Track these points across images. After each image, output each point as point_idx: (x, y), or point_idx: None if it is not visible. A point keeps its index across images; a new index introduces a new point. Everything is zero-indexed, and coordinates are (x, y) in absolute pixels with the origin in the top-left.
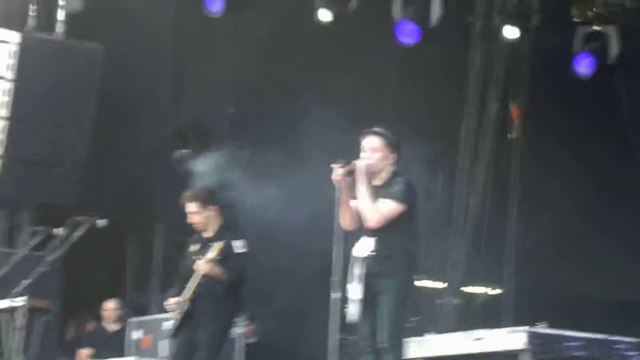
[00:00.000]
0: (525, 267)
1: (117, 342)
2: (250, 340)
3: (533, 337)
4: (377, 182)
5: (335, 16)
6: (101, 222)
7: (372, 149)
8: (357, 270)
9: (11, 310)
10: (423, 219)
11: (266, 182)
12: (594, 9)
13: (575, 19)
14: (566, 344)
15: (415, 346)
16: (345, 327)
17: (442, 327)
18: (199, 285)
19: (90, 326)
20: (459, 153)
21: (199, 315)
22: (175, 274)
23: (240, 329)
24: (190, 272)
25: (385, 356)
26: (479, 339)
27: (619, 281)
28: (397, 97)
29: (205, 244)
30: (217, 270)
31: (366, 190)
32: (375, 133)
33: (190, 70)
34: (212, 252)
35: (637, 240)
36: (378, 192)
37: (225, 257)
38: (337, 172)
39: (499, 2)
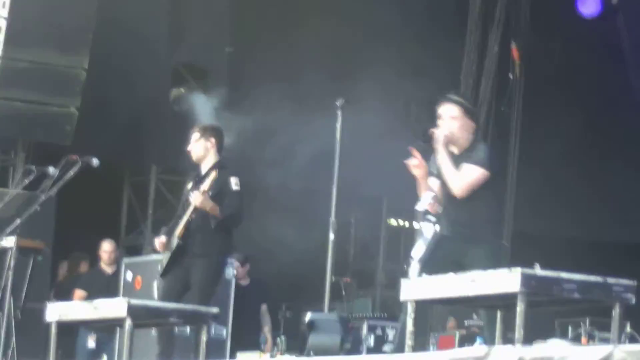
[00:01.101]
0: (524, 209)
1: (114, 284)
2: (243, 282)
3: (527, 279)
4: (455, 151)
5: None
6: (95, 161)
7: (451, 117)
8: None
9: (2, 250)
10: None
11: (265, 123)
12: None
13: None
14: (562, 286)
15: (409, 288)
16: (341, 268)
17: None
18: (190, 220)
19: (83, 267)
20: (460, 94)
21: (190, 252)
22: (169, 215)
23: (233, 269)
24: (185, 210)
25: None
26: (472, 280)
27: (617, 223)
28: (396, 38)
29: (201, 179)
30: (210, 203)
31: (448, 159)
32: (453, 101)
33: (187, 10)
34: (206, 184)
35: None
36: (457, 162)
37: (220, 193)
38: (413, 162)
39: None
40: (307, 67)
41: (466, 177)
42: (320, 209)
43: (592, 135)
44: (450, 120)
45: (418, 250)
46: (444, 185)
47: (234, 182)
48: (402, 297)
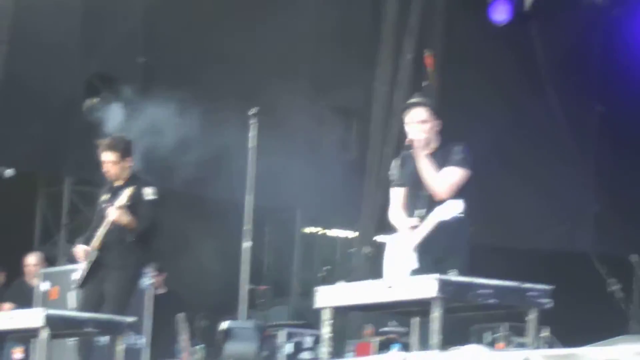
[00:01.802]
0: None
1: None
2: (160, 291)
3: (444, 284)
4: (427, 151)
5: None
6: (8, 172)
7: (421, 121)
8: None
9: None
10: (337, 168)
11: (178, 133)
12: None
13: None
14: (478, 291)
15: (324, 295)
16: (256, 277)
17: (354, 277)
18: (107, 233)
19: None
20: (374, 103)
21: (107, 264)
22: (83, 226)
23: (149, 279)
24: (101, 222)
25: None
26: (389, 287)
27: (530, 230)
28: (310, 46)
29: (116, 192)
30: (127, 218)
31: (427, 162)
32: (421, 104)
33: (99, 21)
34: (122, 199)
35: (551, 188)
36: (434, 160)
37: (136, 205)
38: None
39: None
40: (221, 77)
41: (449, 179)
42: (234, 218)
43: (508, 143)
44: (421, 124)
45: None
46: (413, 190)
47: (149, 193)
48: (319, 304)
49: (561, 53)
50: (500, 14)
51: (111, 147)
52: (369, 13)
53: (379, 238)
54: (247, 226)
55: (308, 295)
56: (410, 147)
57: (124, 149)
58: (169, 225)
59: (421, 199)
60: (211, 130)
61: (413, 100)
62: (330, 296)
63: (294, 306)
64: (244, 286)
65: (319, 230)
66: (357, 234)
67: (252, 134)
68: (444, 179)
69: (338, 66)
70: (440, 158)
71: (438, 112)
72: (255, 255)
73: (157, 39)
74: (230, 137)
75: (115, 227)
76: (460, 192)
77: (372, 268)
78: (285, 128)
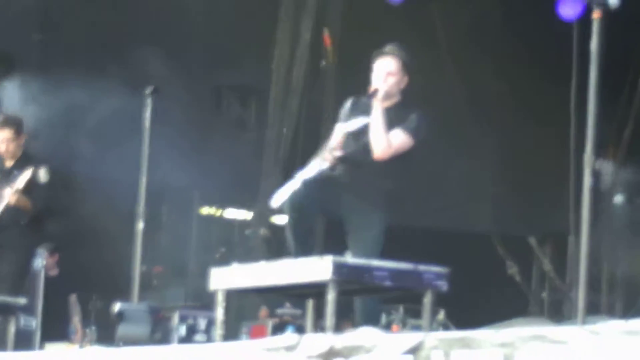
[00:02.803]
0: None
1: None
2: (53, 272)
3: (339, 267)
4: (386, 104)
5: None
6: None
7: (389, 73)
8: None
9: None
10: (233, 148)
11: (74, 112)
12: None
13: None
14: (373, 273)
15: (218, 277)
16: (152, 258)
17: (251, 258)
18: (1, 214)
19: None
20: (272, 82)
21: (1, 245)
22: None
23: (42, 260)
24: None
25: None
26: (284, 269)
27: (429, 209)
28: (206, 27)
29: (8, 173)
30: (23, 201)
31: (381, 119)
32: (394, 55)
33: None
34: (20, 182)
35: (448, 168)
36: (386, 116)
37: (30, 187)
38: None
39: None
40: (116, 55)
41: (393, 144)
42: (130, 199)
43: None
44: (387, 76)
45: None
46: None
47: (43, 173)
48: (212, 286)
49: (461, 30)
50: None
51: (6, 124)
52: None
53: (277, 219)
54: (141, 207)
55: (205, 276)
56: (372, 95)
57: (18, 126)
58: (63, 206)
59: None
60: (105, 110)
61: (386, 48)
62: (224, 278)
63: (191, 288)
64: (137, 268)
65: (216, 211)
66: (254, 214)
67: (147, 113)
68: (388, 142)
69: (236, 45)
70: (394, 116)
71: (410, 67)
72: (152, 236)
73: (53, 17)
74: (125, 116)
75: (10, 209)
76: (397, 159)
77: (269, 250)
78: (181, 107)
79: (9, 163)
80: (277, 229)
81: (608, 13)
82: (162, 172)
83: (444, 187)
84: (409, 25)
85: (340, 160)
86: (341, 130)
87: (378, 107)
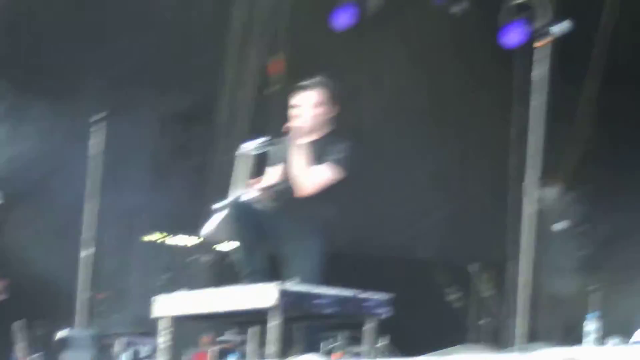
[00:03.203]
0: None
1: None
2: (0, 297)
3: (283, 294)
4: (314, 136)
5: None
6: None
7: (315, 104)
8: None
9: None
10: (178, 174)
11: (23, 136)
12: None
13: None
14: (316, 301)
15: (162, 304)
16: (96, 284)
17: (195, 285)
18: None
19: None
20: (217, 107)
21: None
22: None
23: None
24: None
25: None
26: (227, 296)
27: (371, 236)
28: (155, 52)
29: None
30: None
31: (303, 156)
32: (320, 85)
33: None
34: None
35: (392, 194)
36: (312, 149)
37: None
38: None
39: None
40: (67, 81)
41: (319, 179)
42: (75, 225)
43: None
44: (313, 107)
45: None
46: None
47: None
48: (157, 313)
49: (400, 58)
50: (342, 20)
51: None
52: (213, 18)
53: (221, 246)
54: (87, 233)
55: (149, 303)
56: (288, 133)
57: None
58: (10, 230)
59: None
60: (53, 136)
61: (308, 82)
62: (168, 305)
63: (135, 314)
64: (82, 294)
65: (160, 236)
66: (198, 241)
67: (95, 140)
68: (313, 178)
69: (181, 69)
70: (323, 147)
71: (339, 97)
72: (96, 262)
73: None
74: (73, 142)
75: None
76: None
77: (213, 276)
78: (128, 133)
79: None
80: (220, 255)
81: (552, 41)
82: (106, 198)
83: (384, 215)
84: (356, 52)
85: (275, 193)
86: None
87: (297, 146)
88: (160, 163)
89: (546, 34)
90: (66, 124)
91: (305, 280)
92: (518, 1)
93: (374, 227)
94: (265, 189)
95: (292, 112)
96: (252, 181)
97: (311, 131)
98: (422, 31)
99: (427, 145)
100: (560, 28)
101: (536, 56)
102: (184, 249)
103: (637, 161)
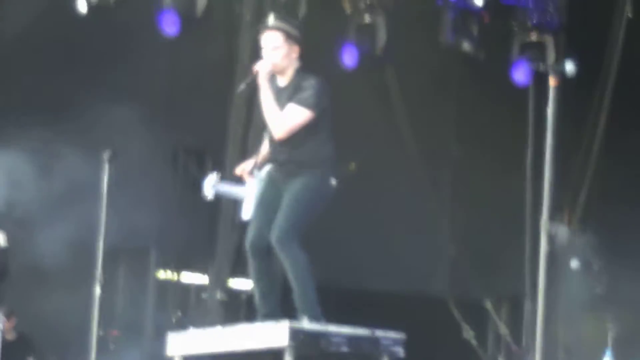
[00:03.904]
0: None
1: None
2: (10, 337)
3: (295, 333)
4: (283, 82)
5: (96, 7)
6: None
7: (274, 47)
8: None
9: None
10: (190, 211)
11: (28, 173)
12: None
13: (346, 10)
14: (330, 340)
15: (176, 342)
16: (109, 320)
17: (208, 323)
18: None
19: None
20: (229, 144)
21: None
22: None
23: None
24: None
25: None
26: (241, 335)
27: (386, 273)
28: (165, 87)
29: None
30: None
31: (269, 97)
32: (274, 27)
33: None
34: None
35: (407, 231)
36: (284, 94)
37: None
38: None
39: None
40: (73, 118)
41: (288, 120)
42: (86, 261)
43: (365, 185)
44: (273, 51)
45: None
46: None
47: (1, 239)
48: (169, 352)
49: (409, 96)
50: (350, 58)
51: None
52: (223, 54)
53: (233, 283)
54: (98, 270)
55: (161, 340)
56: (253, 78)
57: None
58: (20, 269)
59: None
60: (63, 172)
61: (268, 23)
62: (181, 344)
63: (147, 350)
64: (94, 332)
65: (173, 272)
66: (210, 278)
67: (104, 176)
68: (283, 119)
69: (192, 106)
70: (293, 89)
71: (298, 34)
72: (108, 298)
73: (6, 81)
74: (83, 178)
75: None
76: (309, 135)
77: (226, 314)
78: (138, 169)
79: None
80: (233, 293)
81: (564, 80)
82: (118, 234)
83: (399, 250)
84: (365, 89)
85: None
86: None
87: (263, 86)
88: (172, 200)
89: (557, 72)
90: (77, 158)
91: (289, 203)
92: (529, 40)
93: (389, 264)
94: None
95: (262, 52)
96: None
97: (279, 72)
98: (434, 67)
99: (444, 181)
100: (570, 67)
101: (550, 94)
102: (197, 286)
103: None
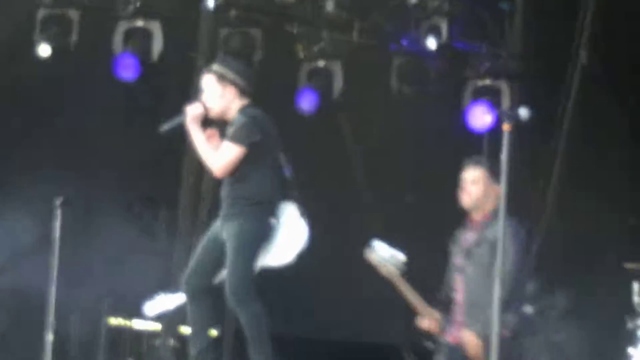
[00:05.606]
0: None
1: None
2: None
3: None
4: (228, 118)
5: (56, 51)
6: None
7: (208, 88)
8: None
9: None
10: (144, 258)
11: None
12: (319, 45)
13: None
14: None
15: None
16: None
17: None
18: None
19: None
20: (181, 189)
21: None
22: None
23: None
24: None
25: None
26: None
27: (341, 321)
28: (120, 134)
29: None
30: None
31: (200, 138)
32: (206, 71)
33: None
34: None
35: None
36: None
37: None
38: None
39: (221, 39)
40: (27, 165)
41: (219, 158)
42: (37, 308)
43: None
44: (208, 92)
45: None
46: None
47: None
48: None
49: (371, 142)
50: (307, 103)
51: None
52: (179, 97)
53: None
54: (50, 318)
55: None
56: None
57: None
58: None
59: None
60: (15, 221)
61: (209, 66)
62: None
63: None
64: None
65: (126, 320)
66: (163, 325)
67: (56, 224)
68: (217, 157)
69: (146, 152)
70: (229, 129)
71: (234, 76)
72: (60, 346)
73: None
74: (35, 226)
75: None
76: (248, 169)
77: None
78: (90, 217)
79: None
80: (185, 340)
81: (518, 125)
82: (70, 282)
83: (357, 300)
84: (320, 135)
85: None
86: None
87: (192, 129)
88: (126, 247)
89: (511, 117)
90: (29, 208)
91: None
92: (482, 84)
93: (343, 312)
94: None
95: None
96: None
97: (219, 115)
98: (386, 114)
99: (397, 230)
100: (524, 113)
101: (504, 139)
102: (150, 333)
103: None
